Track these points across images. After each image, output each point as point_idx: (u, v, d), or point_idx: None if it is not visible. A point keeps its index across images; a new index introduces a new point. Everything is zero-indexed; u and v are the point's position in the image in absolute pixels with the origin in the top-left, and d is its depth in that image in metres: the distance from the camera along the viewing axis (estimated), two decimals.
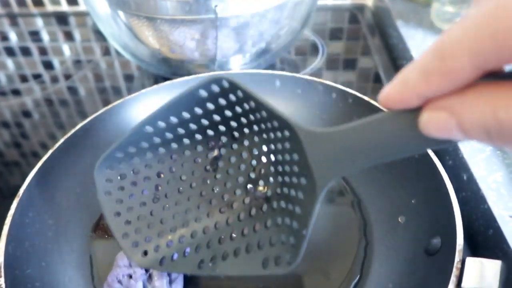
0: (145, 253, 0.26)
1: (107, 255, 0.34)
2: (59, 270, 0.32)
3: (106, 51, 0.69)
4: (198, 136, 0.25)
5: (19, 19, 0.80)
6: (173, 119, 0.24)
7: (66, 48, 0.72)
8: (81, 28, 0.77)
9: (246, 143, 0.25)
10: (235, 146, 0.25)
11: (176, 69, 0.56)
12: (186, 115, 0.24)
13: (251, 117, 0.24)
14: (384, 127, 0.18)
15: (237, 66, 0.57)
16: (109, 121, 0.42)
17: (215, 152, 0.25)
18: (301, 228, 0.23)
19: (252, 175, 0.26)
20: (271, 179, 0.25)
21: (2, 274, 0.27)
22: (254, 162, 0.26)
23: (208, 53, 0.53)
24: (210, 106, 0.24)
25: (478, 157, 0.39)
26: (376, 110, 0.40)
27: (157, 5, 0.46)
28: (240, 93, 0.23)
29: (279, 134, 0.23)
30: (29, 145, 0.51)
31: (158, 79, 0.60)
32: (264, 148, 0.25)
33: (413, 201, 0.34)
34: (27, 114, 0.56)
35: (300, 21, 0.57)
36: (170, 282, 0.30)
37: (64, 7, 0.80)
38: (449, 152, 0.42)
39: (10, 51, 0.72)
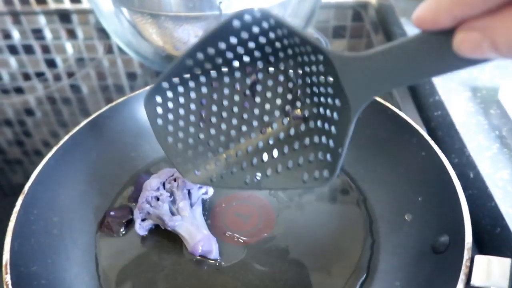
0: (197, 172, 0.28)
1: (113, 252, 0.34)
2: (65, 267, 0.31)
3: (109, 49, 0.68)
4: (235, 64, 0.27)
5: (21, 17, 0.80)
6: (211, 50, 0.26)
7: (69, 46, 0.71)
8: (84, 26, 0.77)
9: (281, 66, 0.27)
10: (271, 69, 0.27)
11: None
12: (222, 45, 0.25)
13: (285, 42, 0.25)
14: (418, 47, 0.19)
15: None
16: (112, 118, 0.41)
17: (253, 77, 0.27)
18: (337, 146, 0.24)
19: (289, 97, 0.27)
20: (307, 100, 0.27)
21: (8, 271, 0.27)
22: (290, 84, 0.27)
23: None
24: (245, 34, 0.25)
25: (484, 154, 0.39)
26: (382, 109, 0.40)
27: (160, 2, 0.46)
28: (272, 21, 0.24)
29: (313, 57, 0.24)
30: (31, 143, 0.51)
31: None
32: (299, 70, 0.26)
33: (419, 199, 0.34)
34: (30, 112, 0.56)
35: (304, 18, 0.56)
36: (191, 204, 0.34)
37: (67, 4, 0.79)
38: (455, 150, 0.42)
39: (13, 49, 0.71)
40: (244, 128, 0.28)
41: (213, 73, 0.27)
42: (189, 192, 0.35)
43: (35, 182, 0.33)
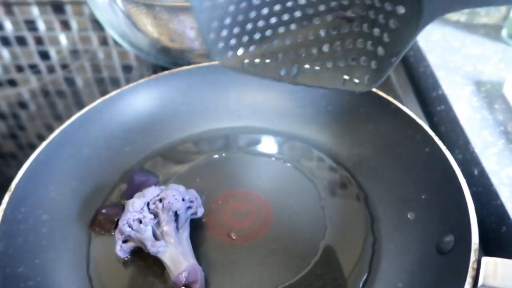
0: (229, 53, 0.27)
1: (104, 252, 0.33)
2: (54, 268, 0.30)
3: (104, 41, 0.67)
4: None
5: (14, 8, 0.78)
6: None
7: (63, 38, 0.70)
8: (78, 17, 0.75)
9: None
10: None
11: (176, 59, 0.54)
12: None
13: None
14: None
15: None
16: (106, 112, 0.40)
17: None
18: (388, 55, 0.23)
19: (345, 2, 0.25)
20: (357, 0, 0.25)
21: None
22: None
23: None
24: None
25: (490, 151, 0.38)
26: (385, 103, 0.38)
27: None
28: None
29: None
30: (25, 136, 0.50)
31: (157, 69, 0.58)
32: None
33: (423, 197, 0.33)
34: (23, 105, 0.55)
35: None
36: (178, 228, 0.31)
37: None
38: (459, 146, 0.41)
39: (5, 41, 0.70)
40: (285, 16, 0.26)
41: None
42: (175, 214, 0.32)
43: (23, 179, 0.32)
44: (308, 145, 0.42)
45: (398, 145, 0.37)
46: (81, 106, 0.54)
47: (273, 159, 0.41)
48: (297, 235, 0.34)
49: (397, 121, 0.37)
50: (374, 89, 0.39)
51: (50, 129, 0.50)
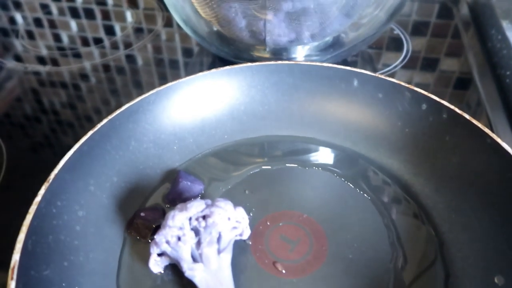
0: None
1: (137, 260, 0.30)
2: (82, 272, 0.28)
3: (168, 22, 0.65)
4: None
5: None
6: None
7: (128, 15, 0.69)
8: None
9: None
10: None
11: (237, 52, 0.50)
12: None
13: None
14: None
15: (302, 56, 0.50)
16: (158, 104, 0.37)
17: None
18: None
19: None
20: None
21: (15, 276, 0.23)
22: None
23: (257, 36, 0.46)
24: None
25: None
26: (479, 134, 0.32)
27: None
28: None
29: None
30: (83, 108, 0.49)
31: (217, 58, 0.55)
32: None
33: None
34: (85, 77, 0.54)
35: (388, 11, 0.48)
36: (219, 250, 0.28)
37: None
38: None
39: (74, 12, 0.70)
40: None
41: None
42: (219, 235, 0.28)
43: (63, 170, 0.29)
44: (375, 169, 0.36)
45: (492, 189, 0.30)
46: (138, 84, 0.52)
47: (334, 179, 0.36)
48: (354, 279, 0.29)
49: (493, 159, 0.31)
50: (466, 116, 0.33)
51: (108, 104, 0.50)
